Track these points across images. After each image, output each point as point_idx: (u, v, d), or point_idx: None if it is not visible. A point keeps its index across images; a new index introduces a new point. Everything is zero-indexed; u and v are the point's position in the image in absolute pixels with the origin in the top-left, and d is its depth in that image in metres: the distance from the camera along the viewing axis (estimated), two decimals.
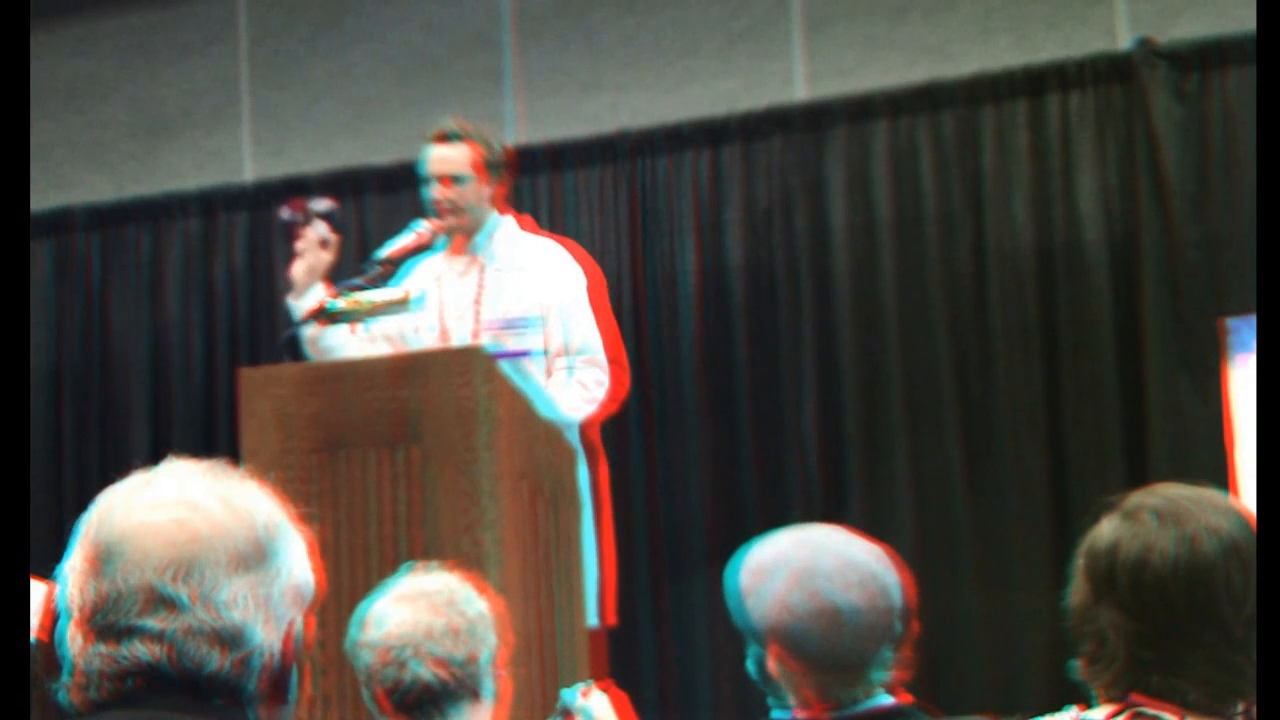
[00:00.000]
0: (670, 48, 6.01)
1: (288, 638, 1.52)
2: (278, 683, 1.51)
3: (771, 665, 2.34)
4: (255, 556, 1.50)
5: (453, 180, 4.40)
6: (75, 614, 1.48)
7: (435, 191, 4.40)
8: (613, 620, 4.66)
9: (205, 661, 1.45)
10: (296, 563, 1.55)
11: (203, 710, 1.45)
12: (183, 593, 1.45)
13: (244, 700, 1.48)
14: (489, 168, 4.43)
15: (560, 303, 4.44)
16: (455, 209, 4.40)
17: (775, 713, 2.38)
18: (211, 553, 1.47)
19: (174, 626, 1.45)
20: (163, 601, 1.45)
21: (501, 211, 4.54)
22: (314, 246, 4.28)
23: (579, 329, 4.45)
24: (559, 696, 2.85)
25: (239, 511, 1.51)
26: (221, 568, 1.47)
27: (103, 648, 1.46)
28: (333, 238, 4.30)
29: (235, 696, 1.47)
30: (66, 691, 1.48)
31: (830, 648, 2.28)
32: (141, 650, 1.44)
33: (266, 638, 1.49)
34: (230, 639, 1.46)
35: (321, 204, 4.37)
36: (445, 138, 4.42)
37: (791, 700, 2.34)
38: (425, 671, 2.53)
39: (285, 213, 4.44)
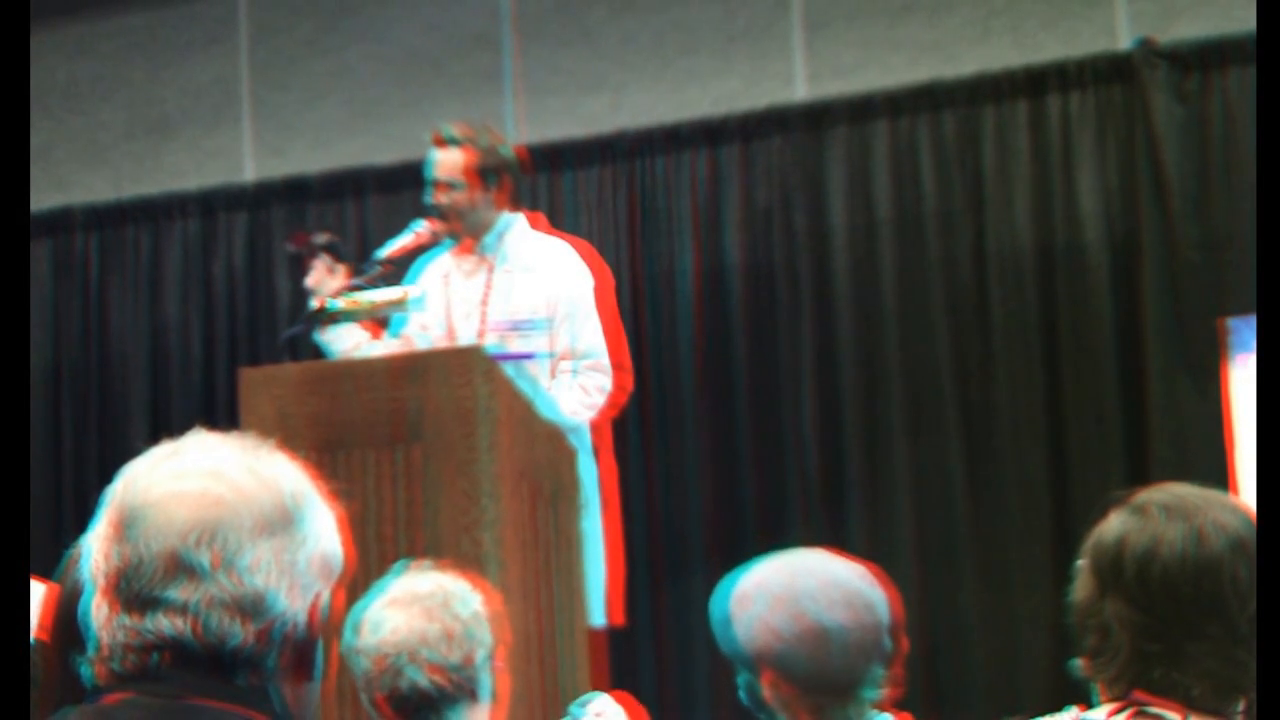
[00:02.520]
0: (670, 48, 6.00)
1: (313, 609, 1.49)
2: (302, 657, 1.49)
3: (766, 691, 2.34)
4: (280, 522, 1.47)
5: (447, 186, 4.41)
6: (100, 582, 1.47)
7: (430, 196, 4.43)
8: (620, 620, 4.67)
9: (229, 635, 1.43)
10: (324, 532, 1.52)
11: (227, 691, 1.43)
12: (204, 558, 1.43)
13: (267, 676, 1.46)
14: (483, 173, 4.43)
15: (567, 305, 4.44)
16: (448, 215, 4.42)
17: None
18: (235, 517, 1.45)
19: (197, 597, 1.43)
20: (184, 569, 1.43)
21: (511, 211, 4.54)
22: (324, 276, 4.32)
23: (585, 332, 4.46)
24: (567, 711, 2.85)
25: (265, 479, 1.49)
26: (245, 532, 1.45)
27: (127, 619, 1.44)
28: (339, 266, 4.34)
29: (259, 672, 1.45)
30: (90, 665, 1.47)
31: (819, 668, 2.27)
32: (165, 624, 1.43)
33: (290, 606, 1.46)
34: (252, 607, 1.44)
35: (321, 238, 4.46)
36: (442, 142, 4.44)
37: None
38: (422, 679, 2.53)
39: (290, 247, 4.52)
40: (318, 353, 5.10)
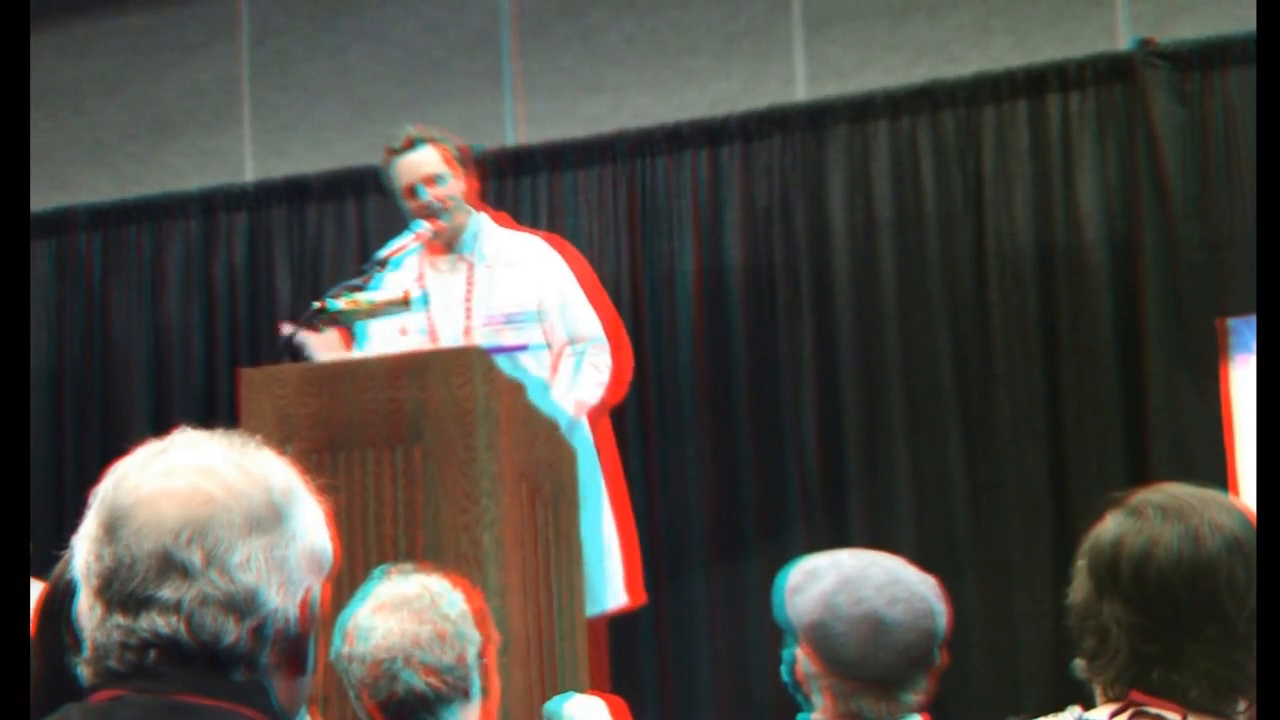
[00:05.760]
0: (670, 48, 6.00)
1: (303, 604, 1.49)
2: (294, 652, 1.49)
3: (799, 665, 2.35)
4: (269, 518, 1.47)
5: (435, 180, 4.43)
6: (91, 582, 1.47)
7: (422, 196, 4.41)
8: (642, 598, 4.74)
9: (220, 633, 1.43)
10: (312, 528, 1.52)
11: (222, 688, 1.43)
12: (194, 557, 1.43)
13: (260, 672, 1.46)
14: (460, 162, 4.48)
15: (557, 296, 4.53)
16: (445, 208, 4.44)
17: (801, 716, 2.38)
18: (225, 514, 1.45)
19: (188, 596, 1.43)
20: (175, 567, 1.43)
21: (477, 209, 4.59)
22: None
23: (580, 319, 4.55)
24: (543, 712, 2.85)
25: (253, 475, 1.49)
26: (235, 529, 1.45)
27: (119, 619, 1.44)
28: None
29: (252, 668, 1.46)
30: (84, 667, 1.47)
31: (864, 656, 2.29)
32: (158, 622, 1.43)
33: (280, 602, 1.46)
34: (242, 604, 1.44)
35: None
36: (410, 144, 4.44)
37: (815, 706, 2.35)
38: (418, 681, 2.53)
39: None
40: None
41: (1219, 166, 5.29)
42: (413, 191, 4.43)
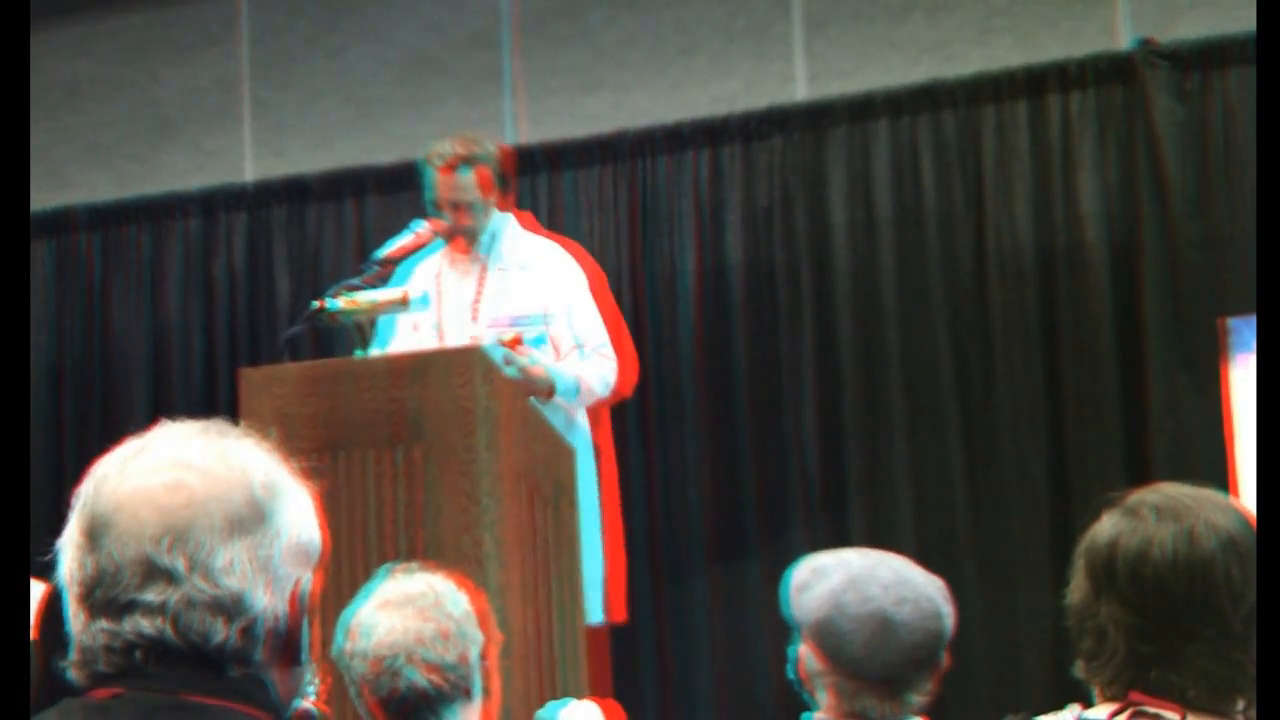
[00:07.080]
0: (670, 48, 6.00)
1: (293, 597, 1.48)
2: (287, 646, 1.48)
3: (803, 664, 2.35)
4: (252, 518, 1.46)
5: (468, 208, 4.42)
6: (74, 590, 1.46)
7: (450, 218, 4.39)
8: (622, 616, 4.70)
9: (209, 633, 1.42)
10: (297, 520, 1.50)
11: (222, 687, 1.43)
12: (178, 563, 1.42)
13: (254, 669, 1.45)
14: (498, 183, 4.47)
15: (565, 301, 4.52)
16: (470, 232, 4.45)
17: (806, 715, 2.38)
18: (206, 517, 1.44)
19: (172, 598, 1.42)
20: (159, 574, 1.42)
21: (502, 210, 4.57)
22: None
23: (586, 325, 4.54)
24: (535, 717, 2.85)
25: (234, 472, 1.47)
26: (217, 533, 1.44)
27: (103, 623, 1.43)
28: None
29: (245, 665, 1.45)
30: (71, 670, 1.46)
31: (869, 655, 2.29)
32: (143, 624, 1.42)
33: (269, 602, 1.45)
34: (230, 607, 1.43)
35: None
36: (452, 167, 4.40)
37: (818, 704, 2.35)
38: (420, 679, 2.53)
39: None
40: (318, 352, 5.10)
41: (1219, 166, 5.29)
42: (440, 205, 4.42)
